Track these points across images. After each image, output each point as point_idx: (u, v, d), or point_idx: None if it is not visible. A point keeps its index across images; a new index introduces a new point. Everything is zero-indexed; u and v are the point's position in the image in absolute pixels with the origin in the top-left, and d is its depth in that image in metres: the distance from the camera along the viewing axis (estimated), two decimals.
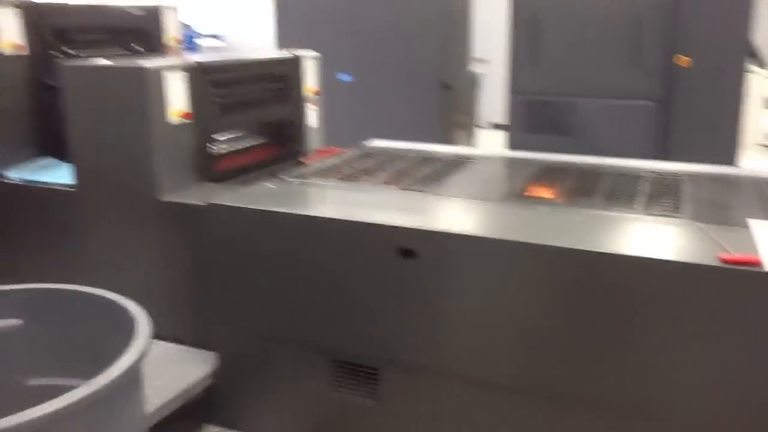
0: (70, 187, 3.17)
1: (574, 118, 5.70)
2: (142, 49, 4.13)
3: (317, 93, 4.06)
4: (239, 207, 2.68)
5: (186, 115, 3.04)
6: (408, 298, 2.44)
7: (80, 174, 3.11)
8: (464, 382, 2.43)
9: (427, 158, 3.60)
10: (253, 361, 2.81)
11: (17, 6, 3.35)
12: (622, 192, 2.91)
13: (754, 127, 8.73)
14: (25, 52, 3.39)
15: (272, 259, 2.67)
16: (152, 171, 2.94)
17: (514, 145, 5.90)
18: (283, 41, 7.30)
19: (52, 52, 3.55)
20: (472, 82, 7.80)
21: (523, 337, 2.31)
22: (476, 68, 8.02)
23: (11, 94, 3.39)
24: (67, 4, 3.70)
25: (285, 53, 3.91)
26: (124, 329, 1.85)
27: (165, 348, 2.92)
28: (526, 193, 2.89)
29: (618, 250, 2.19)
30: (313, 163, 3.57)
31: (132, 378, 1.76)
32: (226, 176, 3.29)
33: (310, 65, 3.99)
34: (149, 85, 2.88)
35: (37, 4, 3.46)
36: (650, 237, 2.35)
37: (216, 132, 3.33)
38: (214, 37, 12.15)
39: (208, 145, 3.21)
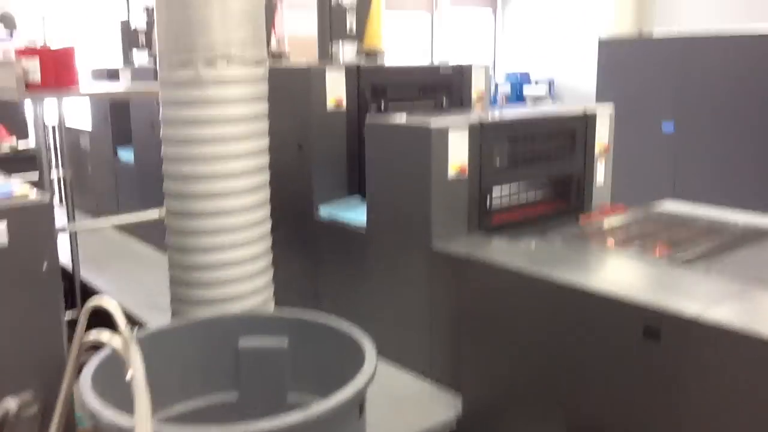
0: (363, 228, 3.63)
1: None
2: (447, 103, 4.51)
3: (607, 149, 3.99)
4: (490, 263, 2.80)
5: (463, 170, 3.27)
6: (647, 381, 2.31)
7: (371, 217, 3.55)
8: None
9: (718, 228, 3.30)
10: (495, 410, 2.90)
11: (344, 68, 3.97)
12: None
13: None
14: (344, 107, 3.98)
15: (517, 317, 2.74)
16: (428, 221, 3.23)
17: None
18: (602, 88, 7.23)
19: (370, 106, 4.10)
20: None
21: None
22: None
23: (332, 142, 4.00)
24: (384, 66, 4.24)
25: (576, 109, 3.93)
26: (357, 358, 2.14)
27: (414, 383, 3.17)
28: None
29: None
30: (590, 222, 3.53)
31: (354, 402, 2.02)
32: (500, 228, 3.45)
33: (603, 120, 3.95)
34: (434, 143, 3.19)
35: (359, 66, 4.04)
36: None
37: (495, 185, 3.50)
38: (546, 82, 12.43)
39: (486, 197, 3.40)
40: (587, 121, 3.87)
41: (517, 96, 12.29)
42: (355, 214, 3.79)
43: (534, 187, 3.85)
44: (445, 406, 3.04)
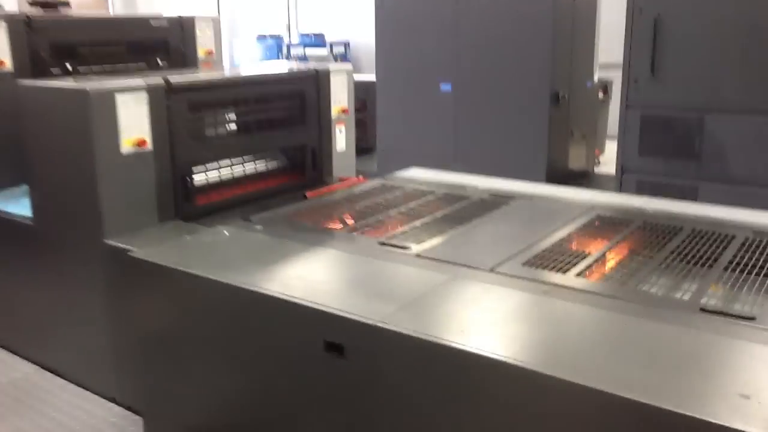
0: (30, 220, 2.82)
1: (699, 137, 4.64)
2: (166, 64, 3.76)
3: (346, 112, 3.46)
4: (160, 264, 2.14)
5: (142, 143, 2.56)
6: (335, 402, 1.78)
7: (36, 206, 2.76)
8: None
9: (457, 195, 2.88)
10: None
11: (4, 20, 3.07)
12: (697, 260, 2.05)
13: None
14: (9, 68, 3.09)
15: (200, 328, 2.10)
16: (97, 210, 2.49)
17: (626, 167, 4.96)
18: (381, 47, 6.77)
19: (50, 70, 3.24)
20: (594, 92, 6.81)
21: None
22: (604, 76, 7.02)
23: None
24: (69, 18, 3.40)
25: (305, 68, 3.35)
26: None
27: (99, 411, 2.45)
28: (563, 264, 2.10)
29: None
30: (317, 197, 2.97)
31: None
32: (207, 212, 2.80)
33: (340, 81, 3.40)
34: (95, 110, 2.44)
35: (29, 17, 3.15)
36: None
37: (199, 160, 2.83)
38: (342, 44, 11.94)
39: (185, 176, 2.73)
40: (319, 82, 3.31)
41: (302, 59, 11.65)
42: (22, 204, 2.96)
43: (263, 158, 3.23)
44: None
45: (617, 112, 5.05)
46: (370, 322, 1.66)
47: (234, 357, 2.00)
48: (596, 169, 7.01)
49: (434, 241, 2.27)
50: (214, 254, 2.22)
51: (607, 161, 7.41)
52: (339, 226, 2.53)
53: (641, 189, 4.95)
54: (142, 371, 2.32)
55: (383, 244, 2.25)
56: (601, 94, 7.09)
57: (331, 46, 12.17)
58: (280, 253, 2.19)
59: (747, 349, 1.51)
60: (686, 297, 1.82)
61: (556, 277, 1.95)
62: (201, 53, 3.89)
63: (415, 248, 2.19)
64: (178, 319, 2.16)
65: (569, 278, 1.95)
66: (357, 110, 7.24)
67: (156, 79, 2.63)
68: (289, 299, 1.81)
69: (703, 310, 1.72)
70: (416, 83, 6.45)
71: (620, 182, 5.05)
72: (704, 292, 1.84)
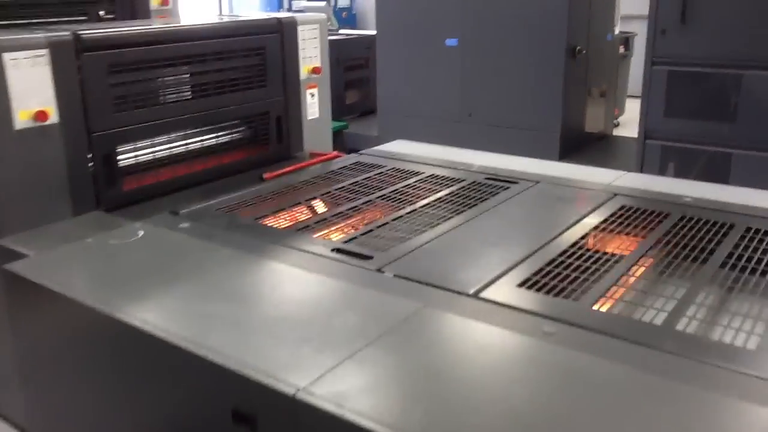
0: None
1: (735, 97, 4.02)
2: (118, 15, 3.19)
3: (319, 72, 2.89)
4: (21, 276, 1.62)
5: (43, 116, 2.02)
6: None
7: None
8: None
9: (445, 178, 2.33)
10: None
11: None
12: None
13: None
14: None
15: (67, 349, 1.60)
16: None
17: (650, 130, 4.37)
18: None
19: None
20: (615, 46, 6.14)
21: None
22: (625, 28, 6.34)
23: None
24: None
25: (266, 18, 2.77)
26: None
27: None
28: (574, 285, 1.56)
29: None
30: (276, 180, 2.43)
31: None
32: (140, 198, 2.28)
33: (310, 34, 2.83)
34: None
35: None
36: None
37: (123, 136, 2.29)
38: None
39: (108, 155, 2.20)
40: (284, 35, 2.73)
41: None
42: None
43: (216, 130, 2.69)
44: None
45: (638, 68, 4.45)
46: (289, 391, 1.14)
47: (125, 400, 1.50)
48: (615, 132, 6.39)
49: (406, 246, 1.73)
50: (111, 266, 1.69)
51: (626, 122, 6.78)
52: (290, 221, 2.00)
53: (667, 156, 4.37)
54: (31, 399, 1.83)
55: (338, 251, 1.71)
56: (621, 49, 6.41)
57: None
58: (195, 266, 1.66)
59: None
60: (752, 345, 1.28)
61: (563, 307, 1.42)
62: (154, 2, 3.31)
63: (379, 258, 1.65)
64: (58, 344, 1.65)
65: (582, 309, 1.41)
66: (360, 67, 6.72)
67: (62, 34, 2.08)
68: (184, 347, 1.29)
69: None
70: (419, 38, 5.82)
71: (643, 148, 4.47)
72: None
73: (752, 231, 1.79)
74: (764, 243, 1.72)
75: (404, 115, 5.88)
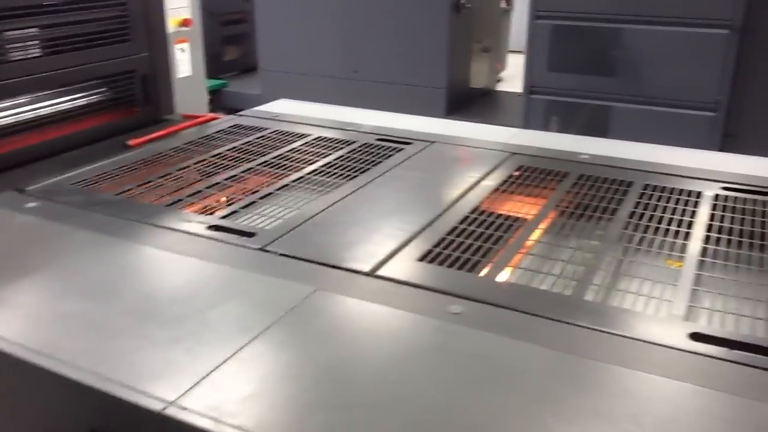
0: None
1: (615, 51, 4.07)
2: None
3: (189, 24, 2.60)
4: None
5: None
6: None
7: None
8: None
9: (333, 140, 2.15)
10: None
11: None
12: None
13: None
14: None
15: None
16: None
17: (534, 85, 4.36)
18: None
19: None
20: (497, 1, 6.10)
21: None
22: None
23: None
24: None
25: None
26: None
27: None
28: (476, 255, 1.43)
29: None
30: (143, 146, 2.17)
31: None
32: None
33: None
34: None
35: None
36: None
37: None
38: None
39: None
40: None
41: None
42: None
43: (71, 92, 2.36)
44: None
45: (519, 23, 4.42)
46: (155, 407, 0.95)
47: None
48: (498, 87, 6.41)
49: (293, 220, 1.55)
50: None
51: (509, 78, 6.82)
52: (159, 195, 1.76)
53: (551, 110, 4.40)
54: None
55: (215, 228, 1.51)
56: (503, 3, 6.39)
57: None
58: (45, 255, 1.41)
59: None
60: (673, 311, 1.21)
61: (469, 282, 1.30)
62: None
63: (263, 235, 1.47)
64: None
65: (488, 282, 1.30)
66: (238, 21, 6.32)
67: None
68: (30, 361, 1.06)
69: (698, 338, 1.12)
70: None
71: (528, 102, 4.47)
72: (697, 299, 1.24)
73: (650, 188, 1.74)
74: (663, 200, 1.67)
75: (287, 73, 5.61)
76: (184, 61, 2.64)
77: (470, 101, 5.59)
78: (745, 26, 3.66)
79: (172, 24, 2.55)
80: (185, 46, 2.63)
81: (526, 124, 4.41)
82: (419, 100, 5.13)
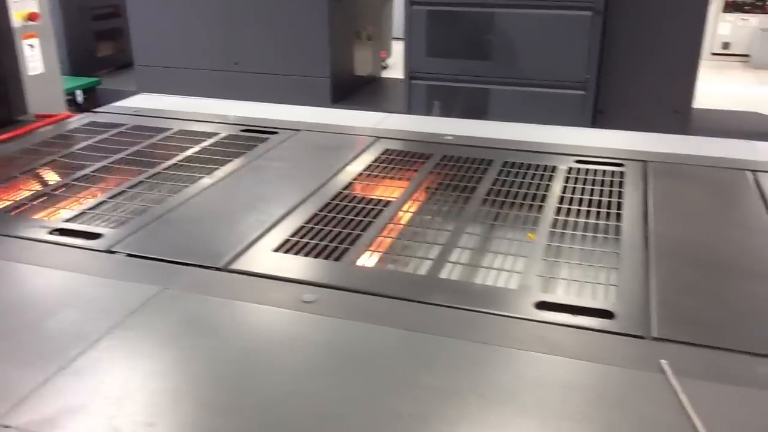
0: None
1: (489, 35, 4.17)
2: None
3: (36, 18, 2.44)
4: None
5: None
6: None
7: None
8: None
9: (197, 133, 2.08)
10: None
11: None
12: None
13: (710, 35, 7.42)
14: None
15: None
16: None
17: (414, 70, 4.40)
18: None
19: None
20: None
21: None
22: None
23: None
24: None
25: None
26: None
27: None
28: (338, 242, 1.41)
29: None
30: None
31: None
32: None
33: None
34: None
35: None
36: None
37: None
38: None
39: None
40: None
41: None
42: None
43: None
44: None
45: (402, 10, 4.45)
46: None
47: None
48: (384, 74, 6.44)
49: (145, 218, 1.48)
50: None
51: (395, 64, 6.87)
52: (2, 200, 1.64)
53: (432, 95, 4.46)
54: None
55: (59, 231, 1.42)
56: None
57: None
58: None
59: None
60: (524, 283, 1.24)
61: (324, 269, 1.28)
62: None
63: (110, 236, 1.39)
64: None
65: (344, 268, 1.29)
66: (111, 16, 6.02)
67: None
68: None
69: (543, 306, 1.16)
70: None
71: (409, 88, 4.51)
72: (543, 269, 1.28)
73: (509, 165, 1.79)
74: (520, 176, 1.72)
75: (164, 67, 5.40)
76: (35, 57, 2.47)
77: (356, 89, 5.57)
78: (606, 7, 3.83)
79: (17, 18, 2.38)
80: (34, 41, 2.46)
81: (409, 110, 4.45)
82: (304, 90, 5.07)
